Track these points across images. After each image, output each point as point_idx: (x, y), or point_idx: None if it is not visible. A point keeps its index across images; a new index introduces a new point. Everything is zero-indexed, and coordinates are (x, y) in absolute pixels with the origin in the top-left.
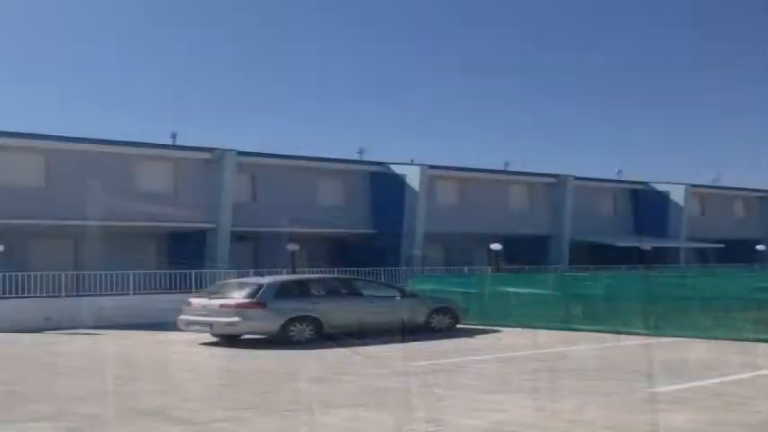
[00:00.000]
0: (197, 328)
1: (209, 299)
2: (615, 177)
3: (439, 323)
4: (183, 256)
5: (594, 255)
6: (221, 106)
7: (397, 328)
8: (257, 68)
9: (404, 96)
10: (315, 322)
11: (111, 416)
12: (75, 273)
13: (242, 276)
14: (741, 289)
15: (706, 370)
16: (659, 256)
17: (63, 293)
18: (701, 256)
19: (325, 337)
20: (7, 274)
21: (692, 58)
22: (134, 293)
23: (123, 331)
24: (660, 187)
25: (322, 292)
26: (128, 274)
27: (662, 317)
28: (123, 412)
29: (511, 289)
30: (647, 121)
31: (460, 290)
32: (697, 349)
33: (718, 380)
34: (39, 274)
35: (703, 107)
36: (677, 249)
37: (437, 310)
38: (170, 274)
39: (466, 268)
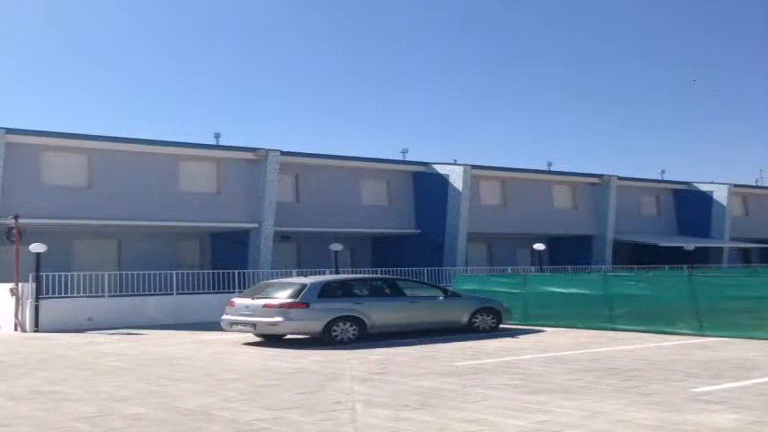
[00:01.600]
0: (240, 328)
1: (253, 299)
2: (658, 177)
3: (482, 323)
4: (226, 256)
5: (637, 255)
6: (265, 106)
7: (441, 327)
8: (301, 69)
9: (446, 97)
10: (358, 322)
11: (154, 416)
12: (118, 273)
13: (285, 276)
14: None
15: (750, 370)
16: (702, 256)
17: (106, 293)
18: (745, 256)
19: (368, 336)
20: (51, 274)
21: (733, 58)
22: (177, 293)
23: (166, 331)
24: (703, 187)
25: (365, 292)
26: (170, 274)
27: (706, 317)
28: (166, 412)
29: (554, 289)
30: (690, 121)
31: (503, 290)
32: (741, 349)
33: (761, 380)
34: (82, 274)
35: (745, 107)
36: (721, 249)
37: (480, 310)
38: (213, 274)
39: (509, 268)
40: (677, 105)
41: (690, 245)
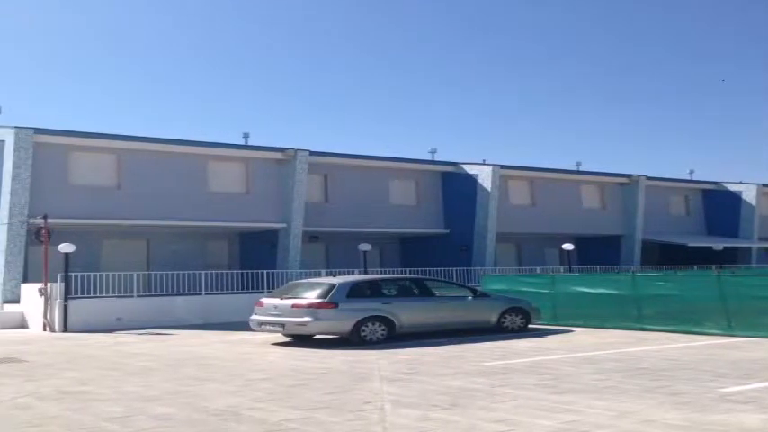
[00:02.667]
0: (269, 328)
1: (281, 299)
2: (687, 177)
3: (511, 323)
4: (255, 256)
5: (666, 255)
6: (293, 106)
7: (469, 327)
8: (329, 69)
9: (475, 97)
10: (387, 322)
11: (183, 416)
12: (146, 273)
13: (314, 276)
14: None
15: None
16: (731, 256)
17: (135, 293)
18: None
19: (397, 337)
20: (80, 274)
21: (762, 57)
22: (206, 293)
23: (195, 331)
24: (732, 187)
25: (394, 292)
26: (199, 274)
27: (735, 317)
28: (195, 412)
29: (583, 289)
30: (719, 120)
31: (532, 290)
32: None
33: None
34: (111, 274)
35: None
36: (749, 249)
37: (509, 310)
38: (242, 274)
39: (538, 268)
40: (706, 105)
41: (718, 245)
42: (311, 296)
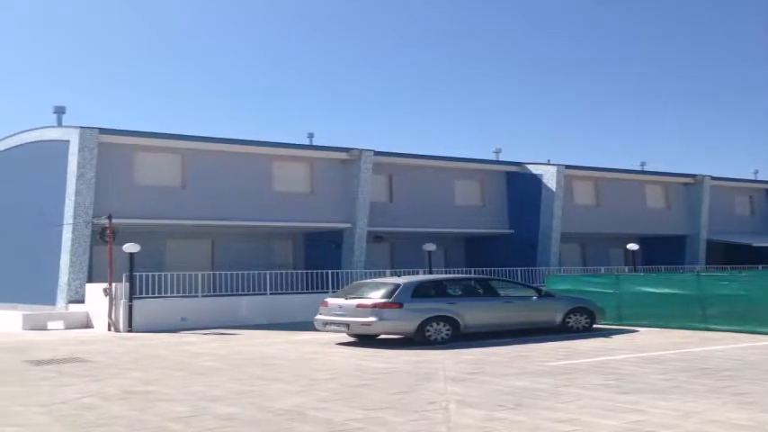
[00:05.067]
0: (333, 328)
1: (346, 299)
2: (751, 177)
3: (575, 323)
4: (320, 256)
5: (731, 255)
6: (359, 106)
7: (534, 327)
8: (395, 69)
9: (540, 97)
10: (451, 322)
11: (248, 416)
12: (211, 273)
13: (378, 276)
14: None
15: None
16: None
17: (200, 293)
18: None
19: (461, 336)
20: (144, 273)
21: None
22: (270, 293)
23: (259, 331)
24: None
25: (459, 292)
26: (264, 274)
27: None
28: (260, 412)
29: (647, 289)
30: None
31: (597, 290)
32: None
33: None
34: (175, 274)
35: None
36: None
37: (574, 310)
38: (306, 274)
39: (602, 268)
40: None
41: None
42: (376, 296)
